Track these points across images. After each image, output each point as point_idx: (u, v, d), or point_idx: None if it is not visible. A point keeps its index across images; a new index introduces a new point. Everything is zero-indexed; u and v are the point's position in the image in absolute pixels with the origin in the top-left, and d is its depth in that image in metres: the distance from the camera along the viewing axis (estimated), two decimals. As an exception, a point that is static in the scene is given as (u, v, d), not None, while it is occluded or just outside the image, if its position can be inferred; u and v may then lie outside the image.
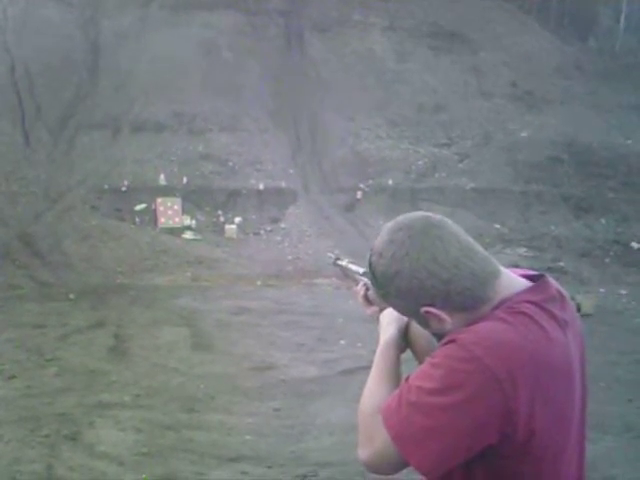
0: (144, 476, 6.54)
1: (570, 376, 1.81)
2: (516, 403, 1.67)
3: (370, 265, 1.90)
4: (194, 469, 7.07)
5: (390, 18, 37.03)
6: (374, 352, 2.04)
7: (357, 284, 2.48)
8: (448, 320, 1.83)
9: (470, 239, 1.84)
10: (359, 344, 12.12)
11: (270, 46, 33.96)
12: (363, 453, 1.83)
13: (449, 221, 1.85)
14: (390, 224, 1.89)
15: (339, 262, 2.73)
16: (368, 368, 1.92)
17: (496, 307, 1.81)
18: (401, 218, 1.88)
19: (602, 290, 19.78)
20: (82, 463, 7.15)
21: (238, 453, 7.52)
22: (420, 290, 1.79)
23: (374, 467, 1.83)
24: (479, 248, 1.84)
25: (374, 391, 1.94)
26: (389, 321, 2.17)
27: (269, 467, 7.15)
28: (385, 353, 2.05)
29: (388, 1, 37.44)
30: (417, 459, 1.72)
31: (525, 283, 1.87)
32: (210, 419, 8.64)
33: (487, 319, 1.78)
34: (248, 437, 8.01)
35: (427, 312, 1.83)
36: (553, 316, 1.80)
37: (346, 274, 2.67)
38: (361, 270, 2.48)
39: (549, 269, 20.55)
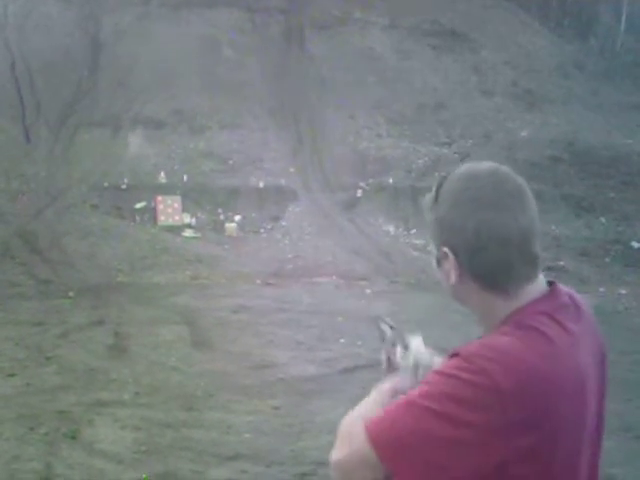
0: (144, 476, 6.54)
1: (580, 392, 1.71)
2: (520, 421, 1.58)
3: (442, 179, 1.82)
4: (193, 467, 7.07)
5: (391, 16, 36.98)
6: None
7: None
8: (454, 275, 1.76)
9: (538, 231, 1.77)
10: (359, 343, 12.12)
11: (271, 44, 33.93)
12: (335, 454, 1.71)
13: (535, 204, 1.79)
14: (490, 165, 1.83)
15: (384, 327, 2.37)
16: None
17: (510, 316, 1.73)
18: (504, 169, 1.83)
19: (602, 289, 19.77)
20: (81, 461, 7.16)
21: (237, 451, 7.52)
22: (458, 233, 1.73)
23: (343, 471, 1.69)
24: (536, 245, 1.76)
25: (360, 410, 1.80)
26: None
27: (268, 466, 7.15)
28: (382, 392, 1.89)
29: (389, -1, 37.46)
30: (396, 466, 1.62)
31: (539, 289, 1.78)
32: (209, 417, 8.64)
33: (494, 333, 1.70)
34: (247, 435, 8.01)
35: (445, 253, 1.76)
36: (564, 327, 1.71)
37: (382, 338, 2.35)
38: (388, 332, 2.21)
39: (549, 268, 20.53)
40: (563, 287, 1.84)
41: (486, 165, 1.83)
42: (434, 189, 1.83)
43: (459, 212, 1.72)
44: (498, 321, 1.74)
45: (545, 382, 1.61)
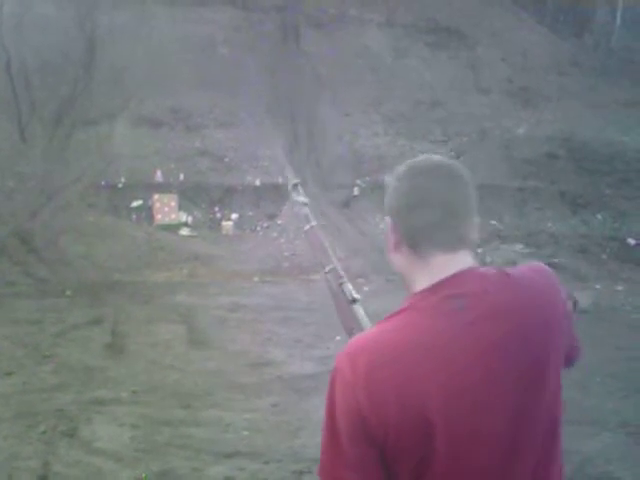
0: (144, 475, 6.55)
1: (469, 373, 1.74)
2: (371, 404, 1.70)
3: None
4: (191, 465, 7.09)
5: (387, 14, 36.98)
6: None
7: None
8: (392, 242, 1.92)
9: (469, 217, 1.89)
10: (356, 340, 12.12)
11: (266, 42, 33.89)
12: None
13: (473, 196, 1.91)
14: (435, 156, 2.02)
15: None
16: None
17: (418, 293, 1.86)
18: (449, 160, 1.99)
19: (599, 286, 19.80)
20: (79, 459, 7.17)
21: (235, 449, 7.54)
22: (394, 197, 1.91)
23: None
24: (465, 227, 1.89)
25: None
26: None
27: (266, 463, 7.16)
28: None
29: (385, -3, 37.46)
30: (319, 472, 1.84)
31: (453, 270, 1.85)
32: (207, 415, 8.65)
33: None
34: (245, 433, 8.03)
35: (386, 221, 1.94)
36: (450, 311, 1.78)
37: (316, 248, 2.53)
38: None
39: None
40: (482, 272, 1.88)
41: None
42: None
43: (396, 178, 1.92)
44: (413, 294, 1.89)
45: (406, 365, 1.72)
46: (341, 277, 2.39)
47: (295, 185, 2.67)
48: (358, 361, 1.73)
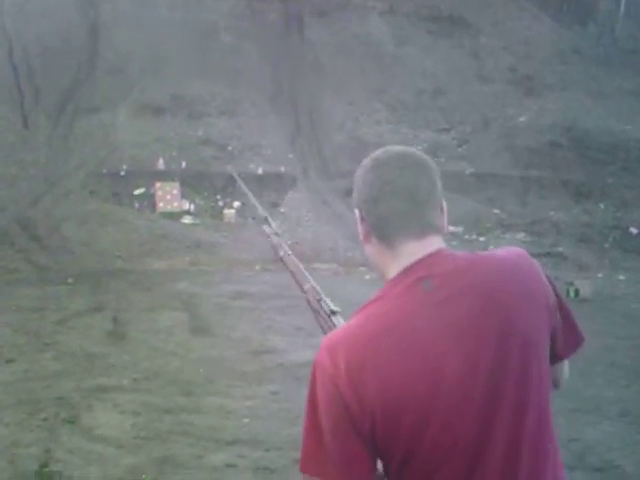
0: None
1: (440, 364, 1.73)
2: (355, 396, 1.70)
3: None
4: (192, 452, 7.09)
5: (389, 2, 36.89)
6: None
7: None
8: (362, 233, 1.97)
9: (433, 203, 1.89)
10: (357, 328, 12.12)
11: (269, 30, 33.86)
12: None
13: (437, 183, 1.91)
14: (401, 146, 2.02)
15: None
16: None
17: (389, 282, 1.85)
18: (413, 149, 1.99)
19: (600, 275, 19.79)
20: (80, 446, 7.18)
21: (236, 436, 7.54)
22: (360, 189, 1.94)
23: None
24: (430, 214, 1.88)
25: None
26: None
27: (267, 450, 7.16)
28: None
29: (387, -15, 37.35)
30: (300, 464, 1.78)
31: (419, 257, 1.85)
32: (208, 403, 8.66)
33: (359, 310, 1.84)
34: (246, 420, 8.04)
35: (356, 213, 1.96)
36: (422, 293, 1.77)
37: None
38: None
39: (548, 254, 20.57)
40: (451, 253, 1.88)
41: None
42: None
43: (362, 171, 1.94)
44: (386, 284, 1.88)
45: (380, 356, 1.72)
46: (319, 293, 2.41)
47: (266, 218, 2.88)
48: (338, 355, 1.73)
